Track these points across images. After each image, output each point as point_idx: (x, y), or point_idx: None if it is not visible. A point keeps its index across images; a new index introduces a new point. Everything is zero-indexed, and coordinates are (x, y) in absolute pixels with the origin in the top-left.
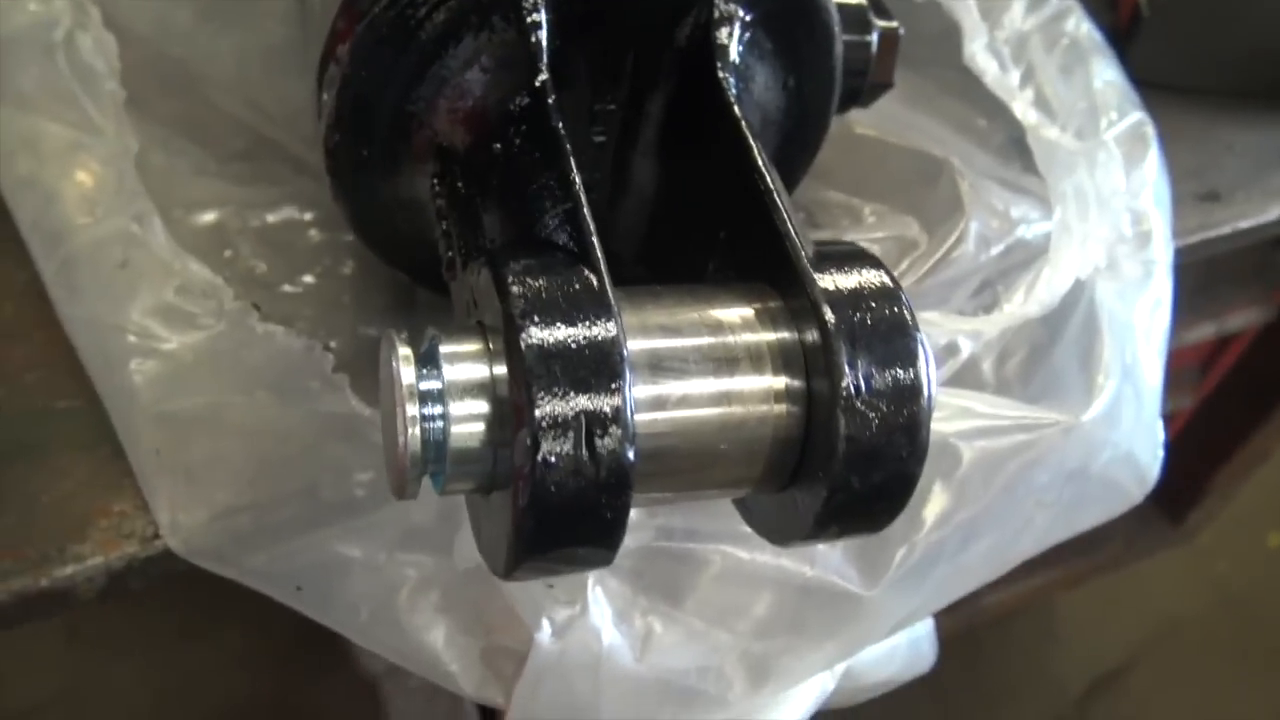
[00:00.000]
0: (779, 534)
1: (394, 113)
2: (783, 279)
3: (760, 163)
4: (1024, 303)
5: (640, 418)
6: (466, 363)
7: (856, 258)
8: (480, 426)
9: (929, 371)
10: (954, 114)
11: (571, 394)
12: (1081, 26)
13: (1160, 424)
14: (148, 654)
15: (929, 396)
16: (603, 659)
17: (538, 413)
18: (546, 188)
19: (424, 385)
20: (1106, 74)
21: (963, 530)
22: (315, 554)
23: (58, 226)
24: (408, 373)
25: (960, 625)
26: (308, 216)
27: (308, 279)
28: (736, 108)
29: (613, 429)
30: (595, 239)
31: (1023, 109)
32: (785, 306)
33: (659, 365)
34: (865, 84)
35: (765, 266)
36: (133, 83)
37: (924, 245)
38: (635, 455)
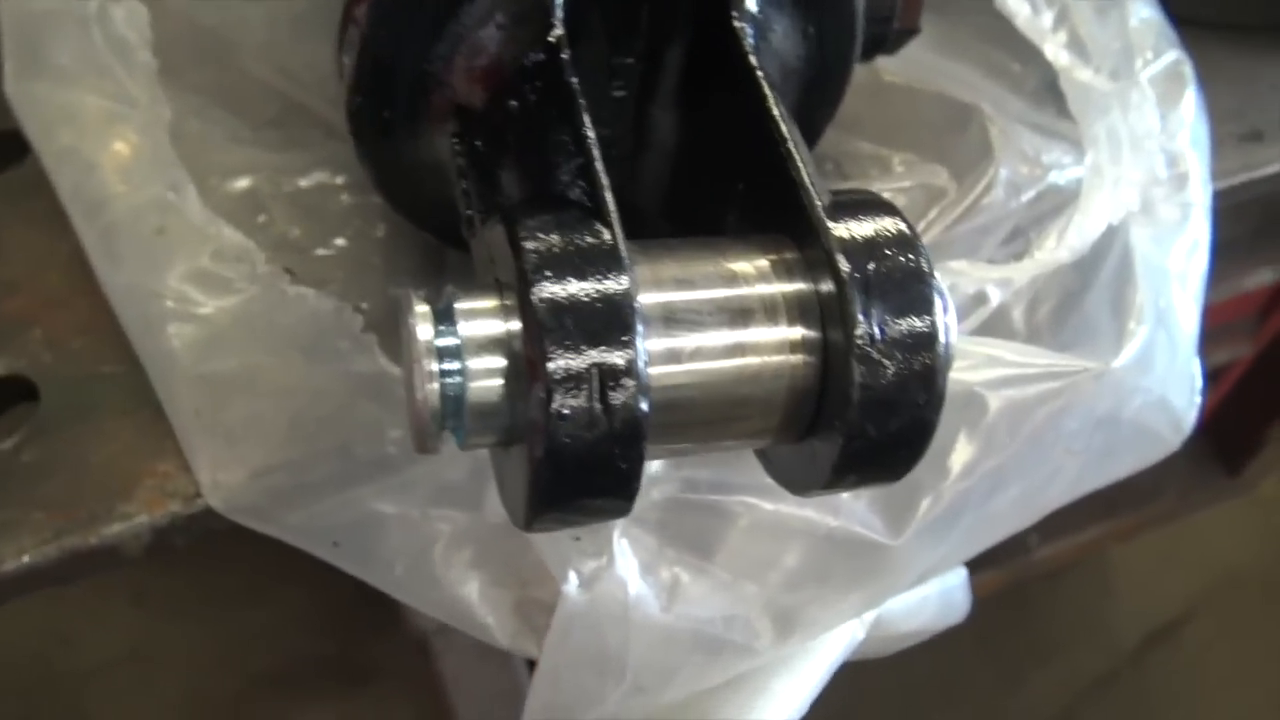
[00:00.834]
0: (799, 484)
1: (413, 72)
2: (799, 229)
3: (776, 112)
4: (1055, 249)
5: (655, 370)
6: (483, 319)
7: (873, 206)
8: (498, 381)
9: (946, 319)
10: (986, 59)
11: (584, 347)
12: None
13: (1198, 369)
14: (211, 615)
15: (946, 344)
16: (630, 609)
17: (550, 366)
18: (561, 143)
19: (441, 342)
20: (1143, 12)
21: (990, 479)
22: (351, 510)
23: (97, 196)
24: (425, 330)
25: (1011, 579)
26: (339, 180)
27: (339, 242)
28: (753, 57)
29: (625, 381)
30: (608, 194)
31: (1055, 51)
32: (801, 257)
33: (673, 318)
34: (891, 30)
35: (783, 217)
36: (165, 53)
37: (953, 193)
38: (649, 407)
